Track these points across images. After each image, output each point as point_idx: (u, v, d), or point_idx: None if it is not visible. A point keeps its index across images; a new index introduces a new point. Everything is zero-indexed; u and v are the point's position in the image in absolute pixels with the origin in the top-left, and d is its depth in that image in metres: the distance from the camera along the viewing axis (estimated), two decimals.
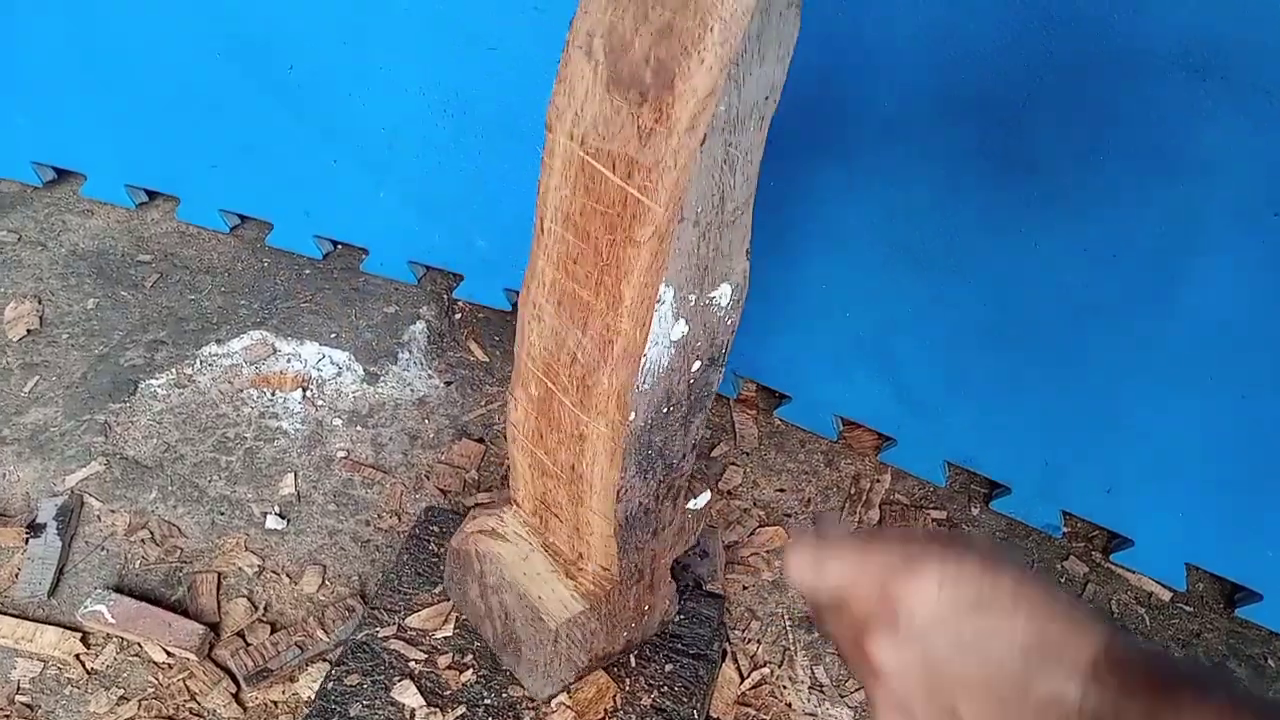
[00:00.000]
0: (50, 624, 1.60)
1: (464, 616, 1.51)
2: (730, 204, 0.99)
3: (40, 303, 2.20)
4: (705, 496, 1.36)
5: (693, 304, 1.04)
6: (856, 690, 1.65)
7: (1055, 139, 1.49)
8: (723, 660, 1.65)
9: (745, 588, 1.79)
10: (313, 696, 1.47)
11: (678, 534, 1.37)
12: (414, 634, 1.48)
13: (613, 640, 1.39)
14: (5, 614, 1.61)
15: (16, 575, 1.66)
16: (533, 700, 1.41)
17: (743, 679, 1.65)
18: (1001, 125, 1.51)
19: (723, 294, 1.07)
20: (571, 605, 1.30)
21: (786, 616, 1.76)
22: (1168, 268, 1.52)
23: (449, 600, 1.52)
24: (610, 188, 0.99)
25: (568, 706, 1.41)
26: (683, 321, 1.05)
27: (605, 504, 1.20)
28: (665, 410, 1.14)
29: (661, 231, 0.96)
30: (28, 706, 1.51)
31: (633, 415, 1.10)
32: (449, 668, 1.43)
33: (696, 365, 1.12)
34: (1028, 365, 1.75)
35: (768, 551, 1.86)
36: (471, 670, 1.43)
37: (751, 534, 1.89)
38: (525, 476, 1.34)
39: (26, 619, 1.61)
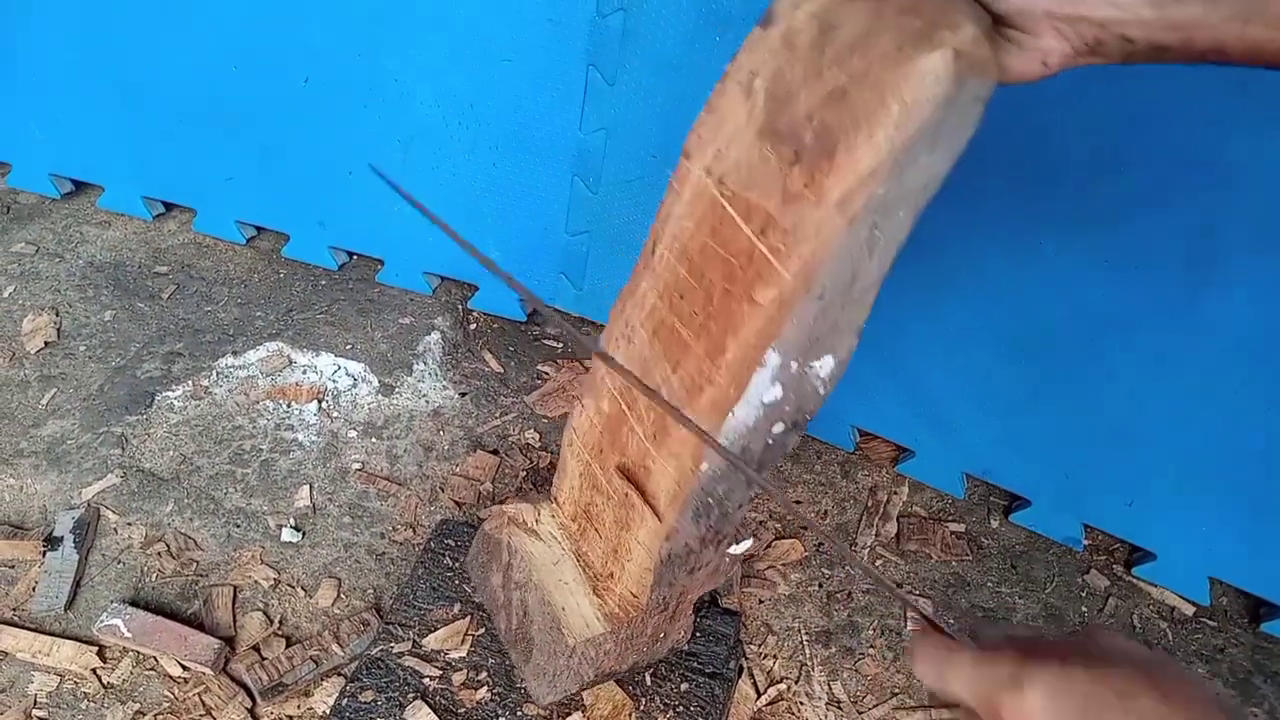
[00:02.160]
0: (67, 638, 1.61)
1: (484, 634, 1.50)
2: (859, 284, 0.93)
3: (58, 314, 2.21)
4: (747, 543, 1.34)
5: (793, 371, 1.00)
6: (875, 707, 1.63)
7: (1077, 148, 1.47)
8: (739, 676, 1.64)
9: (761, 601, 1.78)
10: (327, 712, 1.47)
11: (711, 573, 1.34)
12: (429, 650, 1.48)
13: (621, 661, 1.38)
14: (22, 627, 1.61)
15: (34, 588, 1.67)
16: (515, 665, 1.40)
17: (759, 695, 1.63)
18: (1022, 134, 1.50)
19: (824, 365, 1.02)
20: (593, 625, 1.28)
21: (803, 631, 1.74)
22: (1190, 279, 1.50)
23: (465, 618, 1.52)
24: (739, 237, 0.93)
25: None
26: (779, 386, 1.00)
27: (653, 539, 1.17)
28: None
29: (785, 299, 0.90)
30: None
31: (705, 466, 1.06)
32: (464, 685, 1.43)
33: (779, 428, 1.07)
34: (1047, 376, 1.73)
35: (784, 565, 1.85)
36: (486, 688, 1.43)
37: (768, 546, 1.88)
38: (574, 484, 1.31)
39: (43, 633, 1.61)
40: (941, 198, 1.72)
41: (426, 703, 1.40)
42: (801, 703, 1.63)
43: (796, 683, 1.66)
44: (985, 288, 1.69)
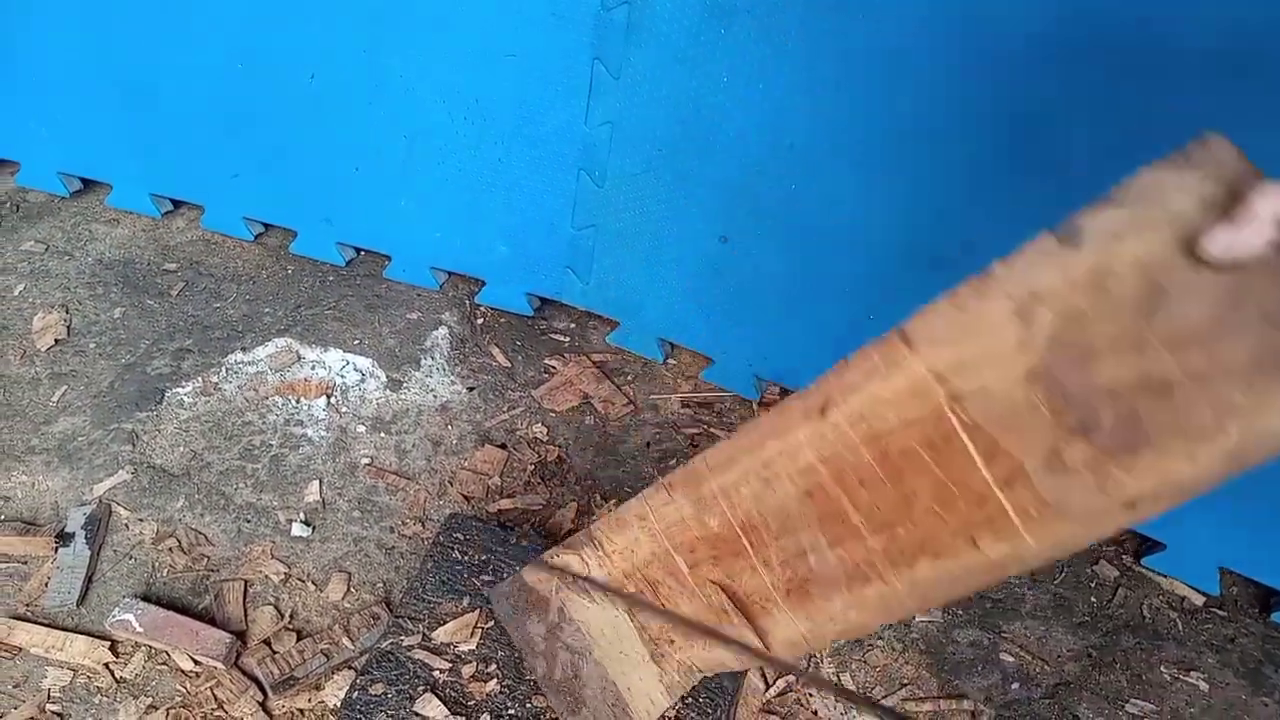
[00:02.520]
0: (80, 633, 1.62)
1: (493, 626, 1.51)
2: None
3: (68, 312, 2.22)
4: None
5: None
6: (884, 698, 1.63)
7: (1084, 138, 1.46)
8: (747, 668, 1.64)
9: None
10: (338, 705, 1.48)
11: None
12: (438, 643, 1.48)
13: None
14: (35, 623, 1.63)
15: (46, 584, 1.68)
16: (556, 712, 1.41)
17: (768, 686, 1.64)
18: (1028, 124, 1.49)
19: None
20: (659, 702, 1.24)
21: None
22: None
23: (473, 612, 1.52)
24: (971, 474, 0.79)
25: None
26: None
27: (751, 659, 1.09)
28: None
29: (1020, 559, 0.79)
30: (58, 715, 1.52)
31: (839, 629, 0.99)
32: (473, 678, 1.43)
33: None
34: None
35: None
36: (495, 680, 1.43)
37: None
38: (640, 554, 1.17)
39: (56, 628, 1.62)
40: (943, 187, 1.70)
41: (436, 695, 1.40)
42: (810, 694, 1.64)
43: (806, 674, 1.67)
44: None
